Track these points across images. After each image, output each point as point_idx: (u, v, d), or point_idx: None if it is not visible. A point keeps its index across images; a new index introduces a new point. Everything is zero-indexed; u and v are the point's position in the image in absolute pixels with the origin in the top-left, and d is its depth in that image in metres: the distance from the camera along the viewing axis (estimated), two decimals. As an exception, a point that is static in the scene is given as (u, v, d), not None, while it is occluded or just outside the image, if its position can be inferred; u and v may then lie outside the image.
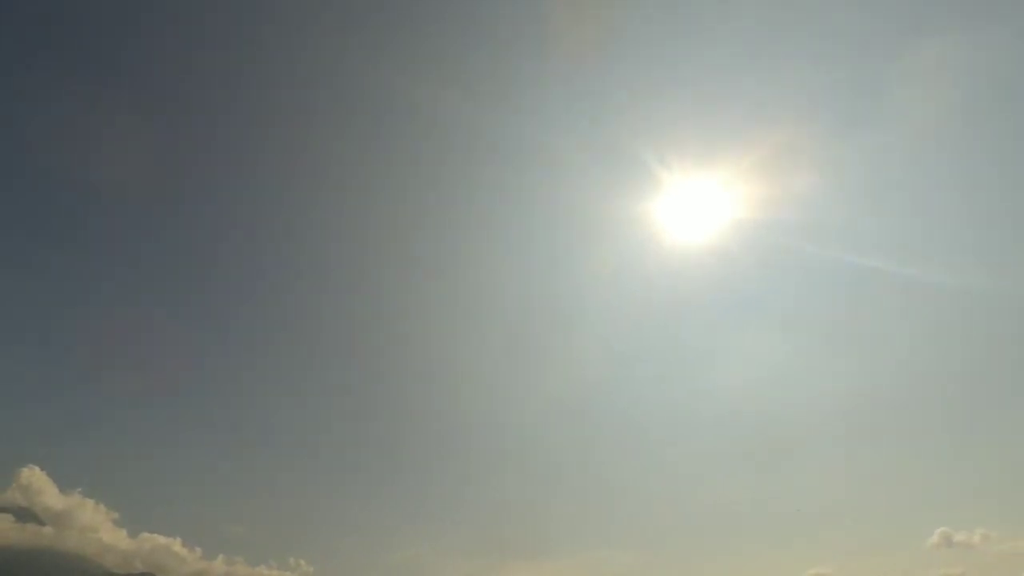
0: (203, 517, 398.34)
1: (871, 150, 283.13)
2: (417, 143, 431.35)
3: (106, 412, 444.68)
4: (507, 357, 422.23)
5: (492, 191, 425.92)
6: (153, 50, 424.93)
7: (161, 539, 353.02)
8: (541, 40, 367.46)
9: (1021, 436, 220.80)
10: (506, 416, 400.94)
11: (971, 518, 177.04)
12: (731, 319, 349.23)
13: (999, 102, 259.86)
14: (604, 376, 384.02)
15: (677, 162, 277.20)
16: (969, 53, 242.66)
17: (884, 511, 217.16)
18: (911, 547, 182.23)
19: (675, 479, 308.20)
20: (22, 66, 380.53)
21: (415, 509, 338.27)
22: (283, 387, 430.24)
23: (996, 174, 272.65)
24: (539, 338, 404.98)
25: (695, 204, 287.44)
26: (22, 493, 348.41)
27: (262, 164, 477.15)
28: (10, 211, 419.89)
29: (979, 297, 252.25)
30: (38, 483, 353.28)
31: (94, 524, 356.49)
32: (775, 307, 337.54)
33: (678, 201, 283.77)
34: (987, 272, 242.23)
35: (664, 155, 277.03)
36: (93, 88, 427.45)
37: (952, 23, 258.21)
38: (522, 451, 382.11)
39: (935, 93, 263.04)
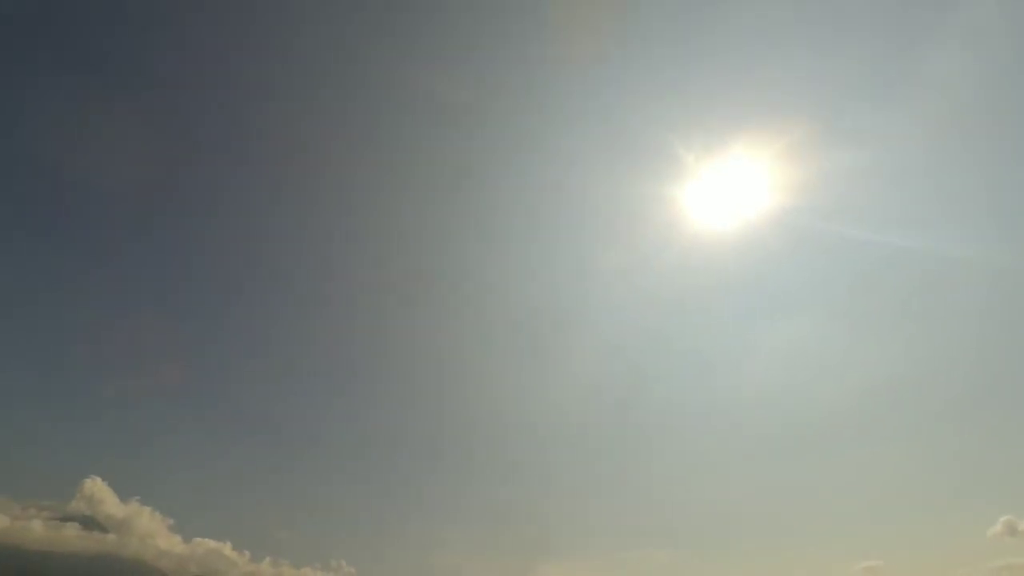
0: (251, 522, 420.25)
1: (899, 131, 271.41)
2: (433, 136, 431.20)
3: (159, 424, 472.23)
4: (537, 356, 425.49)
5: (514, 184, 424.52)
6: (153, 45, 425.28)
7: (212, 543, 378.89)
8: (559, 29, 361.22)
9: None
10: (540, 417, 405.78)
11: None
12: (761, 309, 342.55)
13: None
14: (635, 373, 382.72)
15: (702, 149, 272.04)
16: (1000, 26, 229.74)
17: (936, 500, 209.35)
18: (971, 537, 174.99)
19: (712, 475, 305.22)
20: (22, 66, 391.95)
21: (452, 511, 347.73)
22: (324, 396, 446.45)
23: None
24: (567, 335, 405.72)
25: (721, 192, 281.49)
26: (86, 503, 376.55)
27: (268, 161, 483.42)
28: (39, 216, 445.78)
29: (1018, 275, 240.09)
30: (100, 493, 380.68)
31: (151, 531, 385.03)
32: (806, 295, 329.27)
33: (703, 189, 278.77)
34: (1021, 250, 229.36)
35: (689, 142, 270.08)
36: (90, 78, 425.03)
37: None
38: (556, 452, 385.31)
39: (962, 71, 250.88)
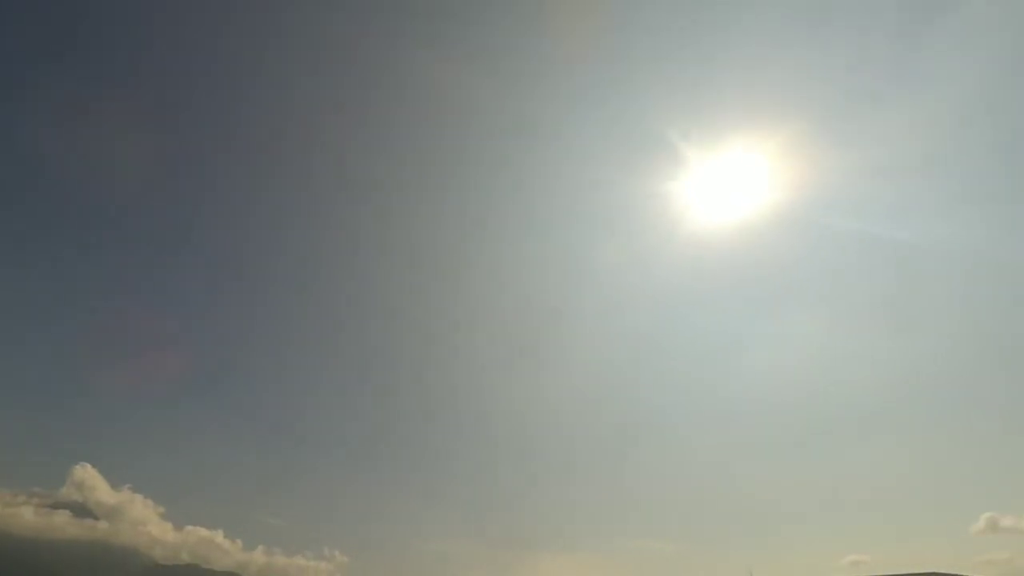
0: (244, 510, 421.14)
1: (896, 129, 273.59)
2: (434, 127, 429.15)
3: (149, 412, 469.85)
4: (533, 349, 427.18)
5: (515, 175, 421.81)
6: (153, 43, 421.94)
7: (204, 532, 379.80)
8: (558, 24, 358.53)
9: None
10: (535, 409, 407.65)
11: (1019, 502, 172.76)
12: (762, 301, 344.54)
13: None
14: (633, 365, 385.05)
15: (700, 145, 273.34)
16: (1004, 19, 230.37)
17: (924, 497, 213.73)
18: (955, 533, 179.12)
19: (708, 468, 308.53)
20: (23, 66, 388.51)
21: (446, 503, 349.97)
22: (318, 387, 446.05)
23: None
24: (565, 328, 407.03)
25: (719, 187, 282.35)
26: (77, 490, 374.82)
27: (267, 156, 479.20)
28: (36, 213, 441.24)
29: (1013, 272, 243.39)
30: (91, 480, 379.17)
31: (143, 518, 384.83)
32: (805, 287, 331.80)
33: (702, 185, 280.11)
34: None
35: (687, 138, 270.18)
36: (88, 76, 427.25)
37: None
38: (552, 444, 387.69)
39: (968, 63, 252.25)
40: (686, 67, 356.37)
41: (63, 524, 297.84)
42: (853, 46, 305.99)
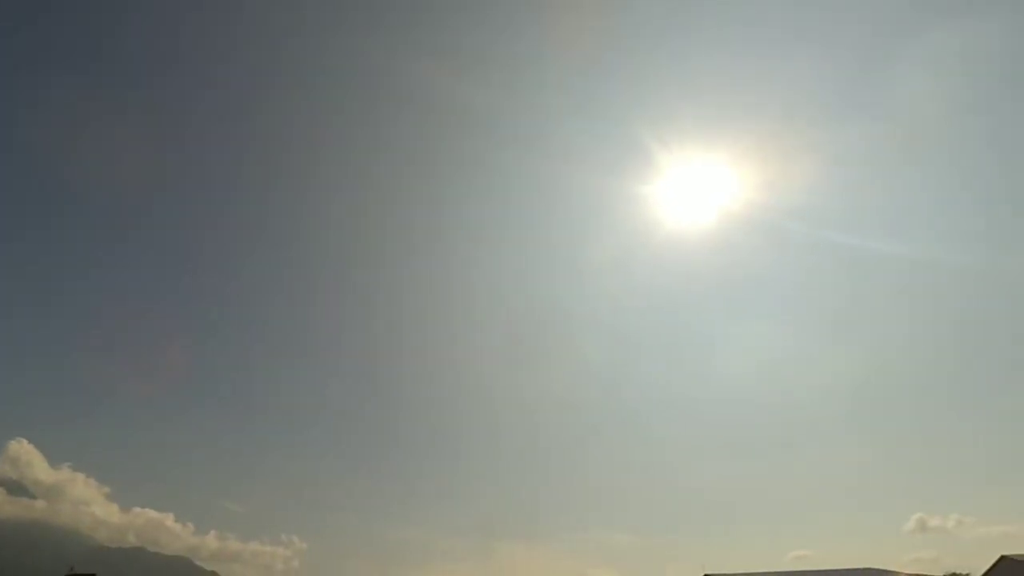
0: (196, 493, 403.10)
1: (871, 133, 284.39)
2: (410, 126, 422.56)
3: (95, 386, 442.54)
4: (504, 344, 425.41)
5: (487, 176, 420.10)
6: (146, 43, 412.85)
7: (153, 514, 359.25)
8: (538, 22, 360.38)
9: (1004, 423, 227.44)
10: (503, 402, 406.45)
11: (948, 504, 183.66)
12: (728, 304, 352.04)
13: (1000, 89, 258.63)
14: (600, 362, 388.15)
15: (676, 145, 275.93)
16: (972, 41, 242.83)
17: (869, 497, 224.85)
18: (890, 532, 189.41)
19: (670, 465, 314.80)
20: (22, 65, 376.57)
21: (411, 491, 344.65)
22: (280, 368, 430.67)
23: (995, 158, 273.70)
24: (535, 324, 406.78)
25: (695, 187, 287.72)
26: (11, 466, 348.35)
27: (263, 158, 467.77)
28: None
29: (974, 279, 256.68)
30: (27, 456, 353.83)
31: (86, 498, 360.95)
32: (771, 292, 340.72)
33: (677, 184, 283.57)
34: (985, 253, 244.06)
35: (663, 137, 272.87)
36: (87, 76, 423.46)
37: (955, 12, 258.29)
38: (519, 437, 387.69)
39: (937, 77, 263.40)
40: (664, 72, 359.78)
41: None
42: (832, 56, 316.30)
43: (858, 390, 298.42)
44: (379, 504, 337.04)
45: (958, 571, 55.98)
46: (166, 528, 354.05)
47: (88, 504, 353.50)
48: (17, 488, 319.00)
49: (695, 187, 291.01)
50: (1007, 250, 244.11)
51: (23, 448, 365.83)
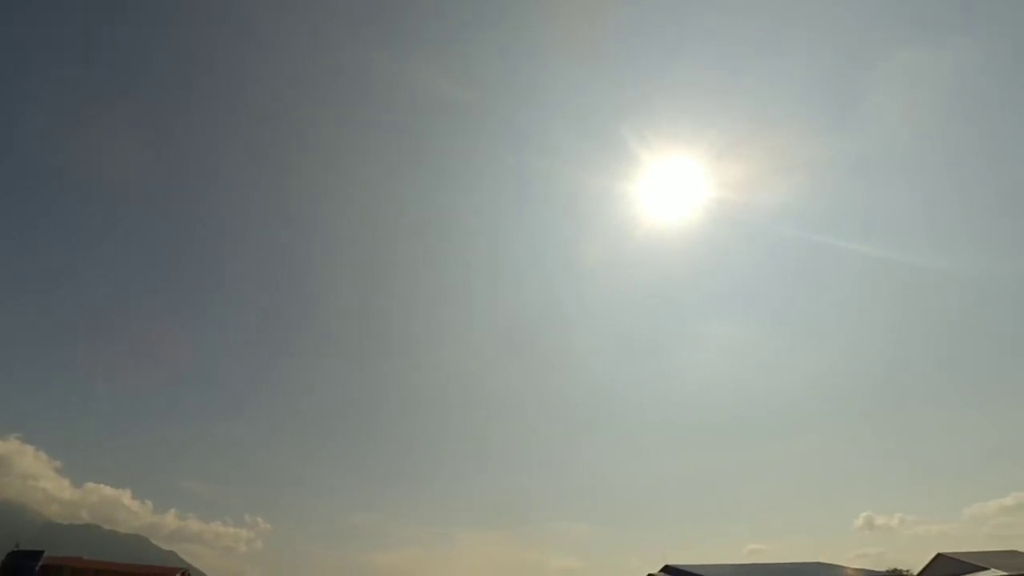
0: (155, 471, 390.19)
1: (853, 135, 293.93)
2: (397, 124, 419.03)
3: (44, 355, 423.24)
4: (486, 339, 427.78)
5: (474, 174, 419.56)
6: (153, 47, 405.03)
7: (109, 490, 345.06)
8: (524, 23, 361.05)
9: (948, 431, 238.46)
10: (472, 395, 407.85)
11: (894, 503, 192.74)
12: (700, 302, 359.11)
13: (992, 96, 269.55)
14: (571, 356, 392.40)
15: (658, 143, 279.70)
16: (950, 54, 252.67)
17: (821, 495, 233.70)
18: (840, 529, 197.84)
19: (632, 459, 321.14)
20: (21, 65, 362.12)
21: (376, 478, 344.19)
22: (247, 348, 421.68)
23: (974, 162, 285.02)
24: (514, 318, 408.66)
25: (674, 186, 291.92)
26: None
27: (262, 160, 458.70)
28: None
29: (949, 282, 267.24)
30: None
31: (35, 472, 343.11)
32: (746, 290, 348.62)
33: (658, 183, 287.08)
34: (967, 259, 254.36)
35: (645, 136, 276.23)
36: (87, 77, 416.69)
37: (931, 30, 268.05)
38: (483, 428, 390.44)
39: (916, 85, 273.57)
40: (648, 72, 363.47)
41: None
42: (813, 59, 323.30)
43: (822, 391, 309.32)
44: (344, 489, 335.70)
45: (899, 567, 59.15)
46: (123, 505, 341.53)
47: (36, 478, 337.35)
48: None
49: (674, 185, 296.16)
50: (989, 255, 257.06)
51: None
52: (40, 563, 45.81)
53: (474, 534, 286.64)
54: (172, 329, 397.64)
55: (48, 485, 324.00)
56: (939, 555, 47.63)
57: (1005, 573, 39.34)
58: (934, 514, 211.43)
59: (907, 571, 55.75)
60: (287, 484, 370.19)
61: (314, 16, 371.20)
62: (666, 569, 45.56)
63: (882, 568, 59.82)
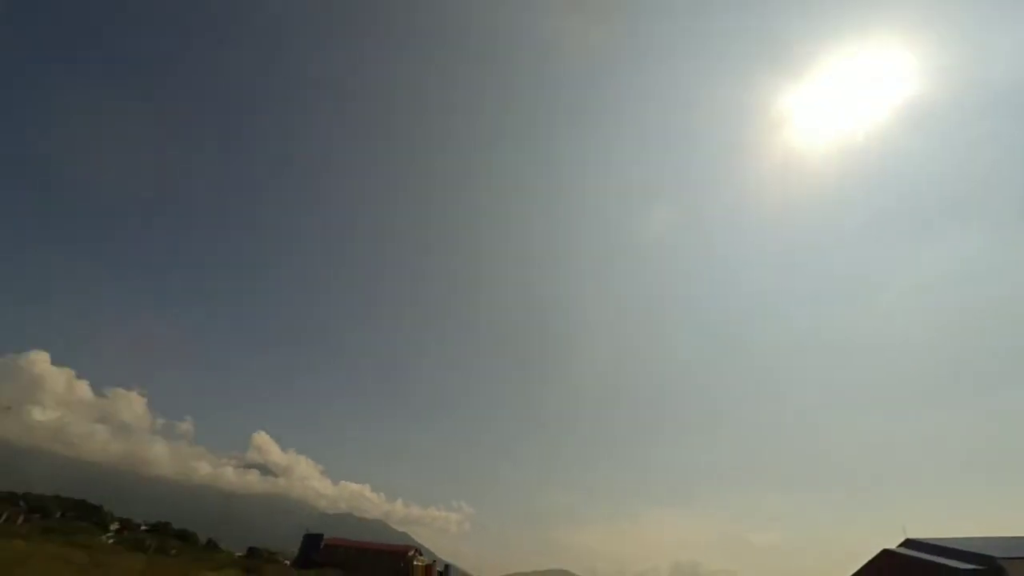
0: (384, 470, 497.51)
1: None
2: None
3: (304, 386, 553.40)
4: (688, 336, 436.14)
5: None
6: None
7: (355, 486, 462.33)
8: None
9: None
10: (674, 389, 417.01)
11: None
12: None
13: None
14: (769, 306, 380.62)
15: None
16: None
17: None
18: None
19: (840, 421, 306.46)
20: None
21: (566, 465, 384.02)
22: (458, 375, 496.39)
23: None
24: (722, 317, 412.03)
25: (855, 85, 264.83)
26: (257, 452, 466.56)
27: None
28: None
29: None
30: (266, 444, 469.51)
31: (308, 475, 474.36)
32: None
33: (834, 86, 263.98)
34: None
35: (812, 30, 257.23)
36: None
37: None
38: (658, 410, 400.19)
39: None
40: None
41: (254, 481, 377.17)
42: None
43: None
44: (533, 476, 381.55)
45: None
46: (366, 497, 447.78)
47: (309, 479, 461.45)
48: (265, 469, 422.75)
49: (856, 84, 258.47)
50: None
51: (262, 438, 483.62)
52: (323, 543, 76.78)
53: (658, 511, 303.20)
54: (419, 369, 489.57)
55: (317, 484, 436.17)
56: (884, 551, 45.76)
57: None
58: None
59: None
60: (481, 477, 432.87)
61: None
62: (908, 543, 41.01)
63: None
